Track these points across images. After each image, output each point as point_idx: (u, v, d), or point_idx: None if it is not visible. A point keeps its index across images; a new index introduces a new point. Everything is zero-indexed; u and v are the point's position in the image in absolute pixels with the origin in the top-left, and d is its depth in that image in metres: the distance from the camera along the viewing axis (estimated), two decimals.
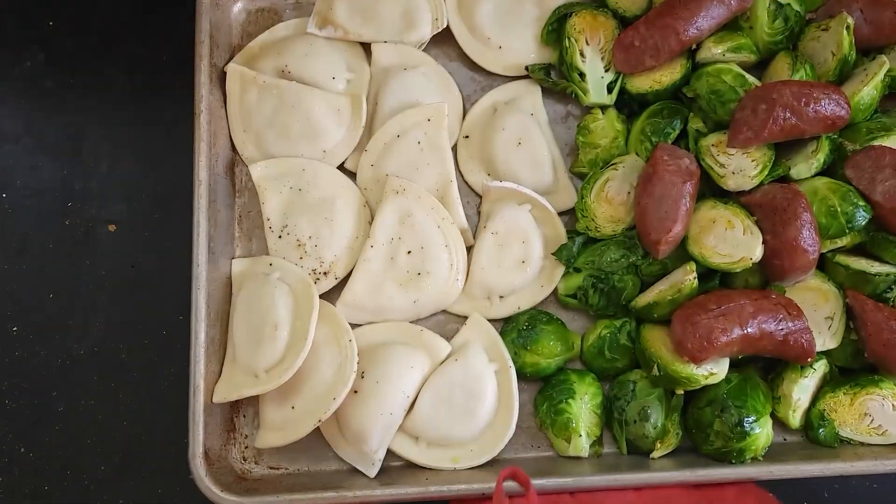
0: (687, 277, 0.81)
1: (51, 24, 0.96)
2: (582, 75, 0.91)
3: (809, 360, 0.79)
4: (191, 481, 0.80)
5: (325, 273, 0.88)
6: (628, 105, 0.93)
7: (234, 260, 0.89)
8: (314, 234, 0.88)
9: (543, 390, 0.85)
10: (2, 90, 0.95)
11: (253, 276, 0.87)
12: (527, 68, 0.93)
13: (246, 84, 0.91)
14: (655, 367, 0.80)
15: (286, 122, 0.90)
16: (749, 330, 0.77)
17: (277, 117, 0.90)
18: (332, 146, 0.91)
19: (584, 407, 0.83)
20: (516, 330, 0.86)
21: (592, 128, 0.90)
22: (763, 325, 0.77)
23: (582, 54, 0.91)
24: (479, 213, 0.92)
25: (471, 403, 0.84)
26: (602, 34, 0.91)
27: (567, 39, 0.91)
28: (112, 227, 0.92)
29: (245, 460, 0.86)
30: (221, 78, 0.92)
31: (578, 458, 0.84)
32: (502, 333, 0.87)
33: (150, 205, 0.92)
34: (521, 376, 0.86)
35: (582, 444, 0.82)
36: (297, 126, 0.90)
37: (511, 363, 0.85)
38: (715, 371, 0.79)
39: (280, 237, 0.88)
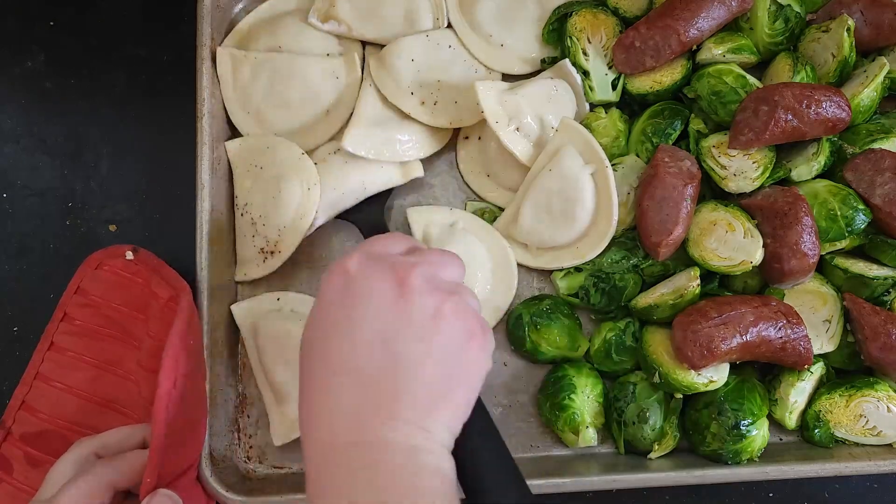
0: (691, 283, 0.81)
1: (51, 24, 0.95)
2: (586, 73, 0.91)
3: (807, 366, 0.80)
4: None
5: (271, 252, 0.87)
6: (629, 105, 0.93)
7: (233, 306, 0.87)
8: (263, 213, 0.87)
9: (544, 389, 0.86)
10: (2, 90, 0.94)
11: (264, 315, 0.86)
12: (543, 61, 0.93)
13: (237, 64, 0.90)
14: (657, 374, 0.81)
15: (284, 92, 0.89)
16: (749, 338, 0.78)
17: (274, 89, 0.89)
18: (334, 104, 0.91)
19: (586, 399, 0.84)
20: (536, 308, 0.86)
21: (595, 126, 0.90)
22: (763, 333, 0.78)
23: (585, 52, 0.91)
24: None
25: (569, 207, 0.86)
26: (603, 32, 0.91)
27: (569, 39, 0.91)
28: (113, 228, 0.91)
29: (249, 460, 0.86)
30: None
31: (581, 457, 0.86)
32: (523, 304, 0.87)
33: (151, 205, 0.92)
34: (519, 349, 0.87)
35: (590, 435, 0.83)
36: (296, 94, 0.89)
37: (607, 162, 0.86)
38: (715, 379, 0.80)
39: (242, 215, 0.89)
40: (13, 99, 0.94)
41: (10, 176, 0.92)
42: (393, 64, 0.89)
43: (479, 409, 0.63)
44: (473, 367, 0.59)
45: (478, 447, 0.62)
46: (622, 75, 0.91)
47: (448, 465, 0.56)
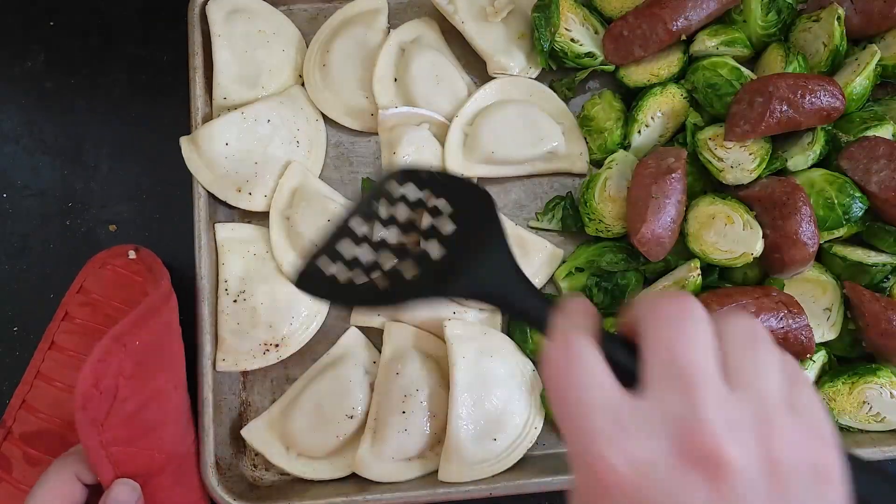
0: (691, 274, 0.82)
1: (51, 24, 0.96)
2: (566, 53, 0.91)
3: (809, 355, 0.80)
4: None
5: (275, 346, 0.85)
6: (626, 99, 0.93)
7: (243, 430, 0.85)
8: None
9: None
10: (2, 90, 0.94)
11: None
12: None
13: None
14: None
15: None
16: None
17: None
18: None
19: None
20: None
21: (593, 114, 0.91)
22: (764, 324, 0.78)
23: (568, 29, 0.90)
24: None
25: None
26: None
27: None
28: (113, 228, 0.91)
29: (256, 468, 0.85)
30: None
31: None
32: None
33: (151, 205, 0.92)
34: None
35: None
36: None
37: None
38: None
39: (234, 301, 0.85)
40: (13, 99, 0.94)
41: (10, 176, 0.92)
42: (207, 150, 0.85)
43: None
44: None
45: None
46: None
47: None
